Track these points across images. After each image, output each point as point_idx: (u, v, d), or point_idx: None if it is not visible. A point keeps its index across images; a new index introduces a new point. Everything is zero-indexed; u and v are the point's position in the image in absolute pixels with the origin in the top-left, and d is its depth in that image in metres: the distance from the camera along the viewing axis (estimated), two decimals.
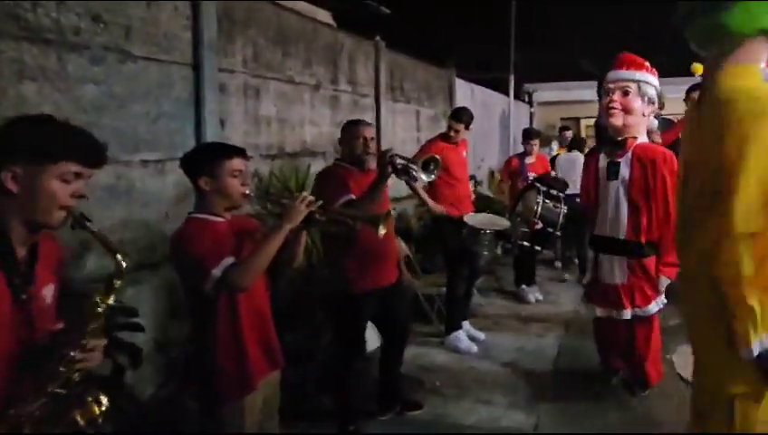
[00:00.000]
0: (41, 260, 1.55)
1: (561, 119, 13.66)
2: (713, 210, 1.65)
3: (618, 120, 3.33)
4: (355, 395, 3.41)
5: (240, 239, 2.21)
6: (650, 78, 3.33)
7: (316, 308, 3.79)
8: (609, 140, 3.52)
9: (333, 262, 3.30)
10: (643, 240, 3.37)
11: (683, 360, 4.15)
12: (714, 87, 1.73)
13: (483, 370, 4.24)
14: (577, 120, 14.44)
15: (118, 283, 1.54)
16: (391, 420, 3.51)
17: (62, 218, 1.50)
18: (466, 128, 4.67)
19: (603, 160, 3.52)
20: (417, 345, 4.58)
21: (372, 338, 3.94)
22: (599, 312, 3.63)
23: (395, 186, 4.11)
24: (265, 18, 4.03)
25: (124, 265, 1.55)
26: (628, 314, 3.47)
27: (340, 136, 3.28)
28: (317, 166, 4.47)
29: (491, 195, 8.34)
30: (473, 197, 5.31)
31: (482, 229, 4.57)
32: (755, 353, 1.59)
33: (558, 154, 7.76)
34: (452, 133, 4.64)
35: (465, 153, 4.85)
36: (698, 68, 5.30)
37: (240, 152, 2.22)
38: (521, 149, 6.48)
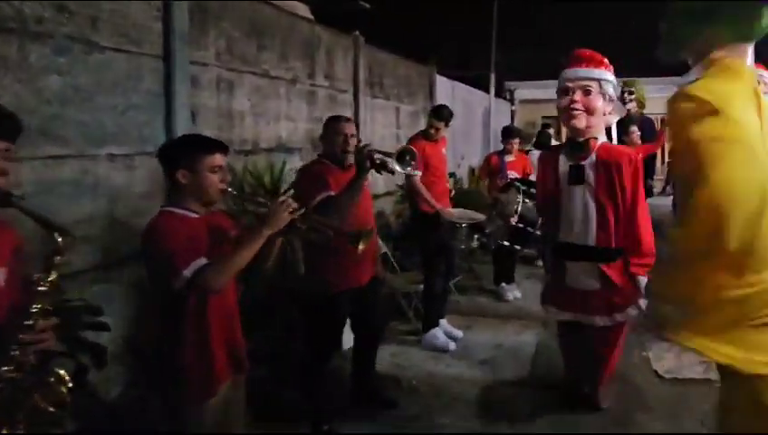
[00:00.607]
0: None
1: (543, 117, 13.71)
2: None
3: (581, 121, 3.17)
4: (330, 394, 3.36)
5: (214, 237, 2.16)
6: (609, 75, 3.19)
7: (291, 305, 3.73)
8: (568, 142, 3.36)
9: (310, 260, 3.25)
10: (614, 245, 3.19)
11: (658, 356, 4.18)
12: None
13: (460, 368, 4.22)
14: (558, 118, 14.48)
15: (57, 259, 1.57)
16: (366, 418, 3.46)
17: None
18: (446, 125, 4.74)
19: (564, 164, 3.29)
20: (395, 343, 4.55)
21: (349, 336, 3.89)
22: (565, 316, 3.40)
23: (373, 183, 4.07)
24: (240, 10, 3.95)
25: (60, 240, 1.58)
26: (600, 320, 3.26)
27: (321, 132, 3.25)
28: (293, 162, 4.42)
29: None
30: (452, 193, 5.32)
31: (458, 223, 4.62)
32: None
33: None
34: (432, 131, 4.70)
35: (444, 150, 4.91)
36: None
37: (222, 147, 2.18)
38: (501, 147, 6.47)
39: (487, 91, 11.19)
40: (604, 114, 3.23)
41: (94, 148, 2.90)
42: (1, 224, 1.63)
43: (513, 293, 5.93)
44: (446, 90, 8.74)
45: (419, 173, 4.46)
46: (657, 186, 10.63)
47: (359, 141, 3.21)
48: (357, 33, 5.68)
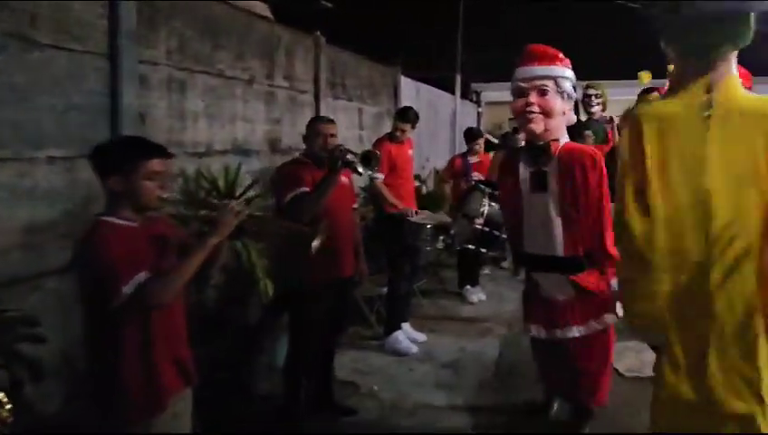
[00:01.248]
0: None
1: (510, 119, 13.72)
2: None
3: (538, 125, 2.91)
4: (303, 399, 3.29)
5: (156, 246, 2.02)
6: (567, 71, 2.94)
7: (246, 312, 3.63)
8: (527, 147, 3.12)
9: (284, 256, 3.22)
10: (581, 252, 2.96)
11: (619, 355, 4.17)
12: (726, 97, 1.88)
13: (422, 372, 4.16)
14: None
15: None
16: (327, 426, 3.38)
17: None
18: (412, 127, 4.81)
19: (524, 171, 3.03)
20: (355, 349, 4.46)
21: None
22: (541, 333, 3.14)
23: None
24: (192, 7, 3.82)
25: None
26: (575, 331, 3.02)
27: (305, 132, 3.37)
28: (250, 165, 4.30)
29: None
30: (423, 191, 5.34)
31: (423, 223, 4.63)
32: None
33: None
34: (398, 133, 4.75)
35: (410, 151, 4.95)
36: (645, 76, 5.18)
37: (160, 151, 2.04)
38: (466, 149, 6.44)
39: (453, 92, 11.16)
40: (564, 114, 2.97)
41: (31, 150, 2.75)
42: None
43: (477, 295, 5.91)
44: (412, 91, 8.68)
45: (382, 176, 4.46)
46: None
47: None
48: (318, 32, 5.58)
